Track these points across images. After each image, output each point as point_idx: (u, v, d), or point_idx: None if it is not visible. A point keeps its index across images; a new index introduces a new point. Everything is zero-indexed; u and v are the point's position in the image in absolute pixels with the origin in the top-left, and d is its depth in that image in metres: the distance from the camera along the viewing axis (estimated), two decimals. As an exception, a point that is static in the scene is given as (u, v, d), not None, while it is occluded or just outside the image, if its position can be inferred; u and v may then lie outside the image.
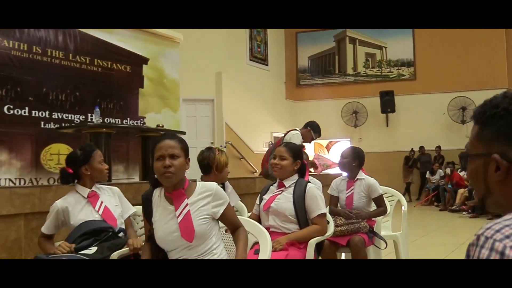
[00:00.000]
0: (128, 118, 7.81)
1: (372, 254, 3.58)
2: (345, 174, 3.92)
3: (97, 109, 5.50)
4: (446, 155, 12.45)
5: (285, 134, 5.05)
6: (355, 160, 3.75)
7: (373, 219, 3.72)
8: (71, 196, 2.67)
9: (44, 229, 2.65)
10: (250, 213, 3.13)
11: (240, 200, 3.51)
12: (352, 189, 3.75)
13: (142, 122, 7.94)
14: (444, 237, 6.73)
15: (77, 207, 2.62)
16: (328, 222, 2.93)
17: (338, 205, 3.84)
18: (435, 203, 11.42)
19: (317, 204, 2.80)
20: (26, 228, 3.44)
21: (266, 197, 2.95)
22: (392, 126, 13.71)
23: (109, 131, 5.49)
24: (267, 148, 12.59)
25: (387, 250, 3.70)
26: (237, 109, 11.43)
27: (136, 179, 6.43)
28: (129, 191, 4.13)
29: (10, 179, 6.10)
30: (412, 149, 13.00)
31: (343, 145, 16.38)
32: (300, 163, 2.94)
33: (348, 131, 14.30)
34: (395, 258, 4.42)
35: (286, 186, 2.91)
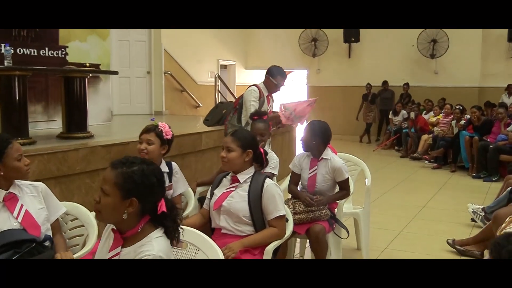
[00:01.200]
0: (46, 49, 7.31)
1: (332, 241, 3.68)
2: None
3: (7, 48, 5.08)
4: (411, 92, 12.74)
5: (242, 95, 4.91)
6: (315, 138, 3.70)
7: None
8: None
9: None
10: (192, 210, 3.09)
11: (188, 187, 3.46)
12: (316, 169, 3.73)
13: (63, 53, 7.47)
14: (405, 197, 6.98)
15: None
16: (287, 220, 2.94)
17: (300, 184, 3.85)
18: (396, 147, 11.82)
19: (275, 205, 2.78)
20: None
21: (218, 192, 2.89)
22: (355, 57, 13.74)
23: (24, 73, 5.15)
24: (212, 79, 12.47)
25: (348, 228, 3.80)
26: (178, 33, 11.00)
27: (58, 121, 6.11)
28: (53, 161, 3.95)
29: None
30: (368, 83, 13.16)
31: (299, 76, 16.35)
32: (252, 153, 2.86)
33: (305, 61, 14.23)
34: (355, 240, 4.59)
35: (241, 182, 2.85)
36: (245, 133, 2.94)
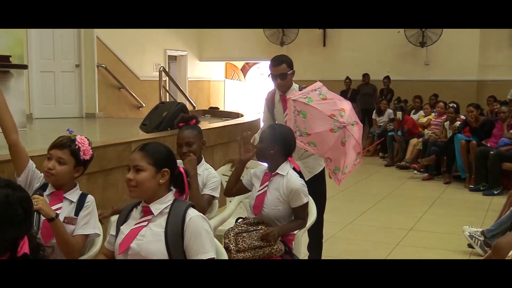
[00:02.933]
0: None
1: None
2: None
3: None
4: (397, 87, 12.64)
5: None
6: (274, 145, 3.52)
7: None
8: None
9: None
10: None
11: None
12: (266, 186, 3.55)
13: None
14: (388, 218, 6.84)
15: None
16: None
17: (248, 205, 3.68)
18: (380, 154, 11.71)
19: (201, 245, 2.50)
20: None
21: (125, 229, 2.60)
22: (331, 46, 13.59)
23: None
24: (157, 73, 12.16)
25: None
26: (115, 18, 10.68)
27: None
28: None
29: None
30: (347, 77, 13.03)
31: (263, 68, 16.16)
32: (169, 173, 2.60)
33: (271, 51, 13.97)
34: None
35: (155, 214, 2.56)
36: (159, 147, 2.67)
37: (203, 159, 3.88)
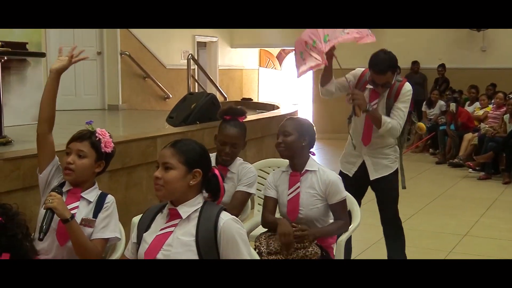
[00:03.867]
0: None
1: None
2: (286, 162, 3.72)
3: None
4: (450, 76, 12.49)
5: None
6: (302, 138, 3.54)
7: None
8: None
9: None
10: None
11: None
12: (298, 187, 3.56)
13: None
14: (440, 221, 6.76)
15: None
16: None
17: (277, 210, 3.68)
18: (431, 150, 11.60)
19: (239, 253, 2.50)
20: None
21: (149, 236, 2.58)
22: (376, 31, 13.42)
23: None
24: (185, 61, 12.22)
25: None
26: (139, 1, 10.79)
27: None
28: None
29: None
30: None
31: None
32: (201, 175, 2.58)
33: (310, 37, 13.96)
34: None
35: (183, 217, 2.55)
36: (192, 145, 2.65)
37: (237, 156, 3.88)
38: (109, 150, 3.12)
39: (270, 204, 3.61)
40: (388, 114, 4.24)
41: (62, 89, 10.56)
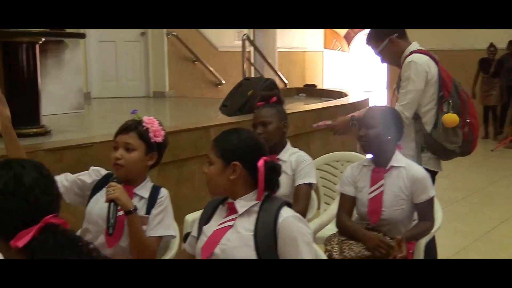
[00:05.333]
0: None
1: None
2: (368, 156, 3.72)
3: None
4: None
5: None
6: (388, 131, 3.56)
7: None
8: None
9: None
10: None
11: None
12: (382, 185, 3.57)
13: None
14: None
15: None
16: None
17: (354, 212, 3.71)
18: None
19: (298, 253, 2.58)
20: None
21: (208, 230, 2.73)
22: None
23: None
24: (239, 42, 12.31)
25: None
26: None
27: None
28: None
29: None
30: (491, 44, 12.66)
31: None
32: (240, 167, 2.67)
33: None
34: None
35: (239, 212, 2.68)
36: (230, 136, 2.77)
37: (288, 144, 3.96)
38: (159, 139, 3.17)
39: (347, 203, 3.63)
40: None
41: (102, 74, 10.88)
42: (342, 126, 4.25)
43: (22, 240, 1.80)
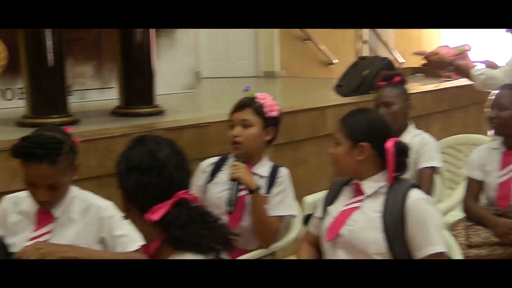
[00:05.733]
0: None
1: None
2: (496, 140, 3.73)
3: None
4: None
5: None
6: None
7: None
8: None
9: None
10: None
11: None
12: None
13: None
14: None
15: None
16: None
17: (483, 196, 3.72)
18: None
19: (428, 235, 2.63)
20: None
21: (333, 210, 2.80)
22: None
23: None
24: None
25: None
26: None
27: (116, 88, 6.29)
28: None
29: None
30: None
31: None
32: (369, 148, 2.74)
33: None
34: None
35: (367, 193, 2.74)
36: (358, 116, 2.85)
37: (410, 125, 3.96)
38: (275, 113, 3.32)
39: (474, 187, 3.65)
40: None
41: (212, 54, 11.04)
42: (438, 64, 4.23)
43: (156, 214, 1.92)
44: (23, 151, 2.60)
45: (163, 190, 1.95)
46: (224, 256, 1.98)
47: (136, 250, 2.65)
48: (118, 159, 2.04)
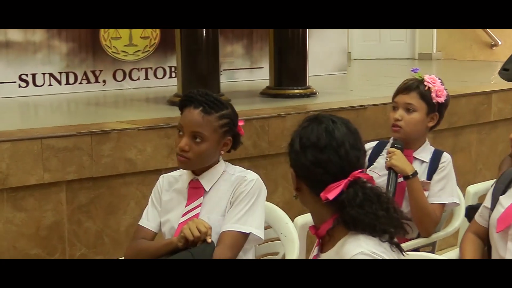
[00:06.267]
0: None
1: None
2: None
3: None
4: None
5: None
6: None
7: None
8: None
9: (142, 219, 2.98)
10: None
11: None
12: None
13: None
14: None
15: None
16: None
17: None
18: None
19: None
20: (71, 205, 3.68)
21: (505, 201, 2.76)
22: None
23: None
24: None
25: None
26: None
27: (266, 68, 6.41)
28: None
29: (51, 75, 6.47)
30: None
31: None
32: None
33: None
34: None
35: None
36: None
37: None
38: (442, 99, 3.26)
39: None
40: None
41: (364, 34, 11.00)
42: None
43: (332, 193, 1.95)
44: (189, 95, 2.78)
45: (340, 168, 1.98)
46: (395, 240, 2.00)
47: (243, 234, 2.71)
48: (291, 137, 2.09)
